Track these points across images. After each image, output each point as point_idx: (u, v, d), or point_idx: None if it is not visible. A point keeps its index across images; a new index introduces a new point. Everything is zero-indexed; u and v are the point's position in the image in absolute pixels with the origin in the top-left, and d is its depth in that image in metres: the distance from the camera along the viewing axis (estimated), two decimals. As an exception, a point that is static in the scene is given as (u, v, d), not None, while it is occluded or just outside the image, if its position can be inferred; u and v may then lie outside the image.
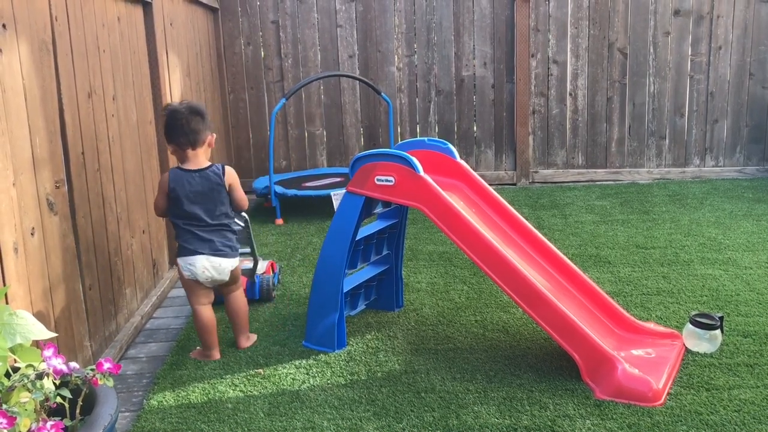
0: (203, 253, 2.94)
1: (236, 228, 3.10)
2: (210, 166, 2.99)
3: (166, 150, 3.96)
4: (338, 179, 5.73)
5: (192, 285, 3.00)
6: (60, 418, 1.66)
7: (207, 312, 3.03)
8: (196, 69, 5.07)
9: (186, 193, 2.93)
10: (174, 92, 4.34)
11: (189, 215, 2.94)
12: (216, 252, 2.96)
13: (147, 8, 3.81)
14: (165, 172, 3.08)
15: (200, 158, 2.99)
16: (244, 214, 3.23)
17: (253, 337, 3.22)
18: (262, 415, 2.58)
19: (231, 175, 3.03)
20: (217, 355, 3.06)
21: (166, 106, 3.10)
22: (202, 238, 2.95)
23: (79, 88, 2.84)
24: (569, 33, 6.19)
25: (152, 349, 3.23)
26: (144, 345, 3.27)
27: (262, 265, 3.75)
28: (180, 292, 3.93)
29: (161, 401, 2.70)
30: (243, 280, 3.32)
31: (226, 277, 3.03)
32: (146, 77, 3.81)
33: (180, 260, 2.98)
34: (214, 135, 3.07)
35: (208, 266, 2.96)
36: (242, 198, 3.09)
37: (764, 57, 6.17)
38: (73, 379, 1.71)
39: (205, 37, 5.49)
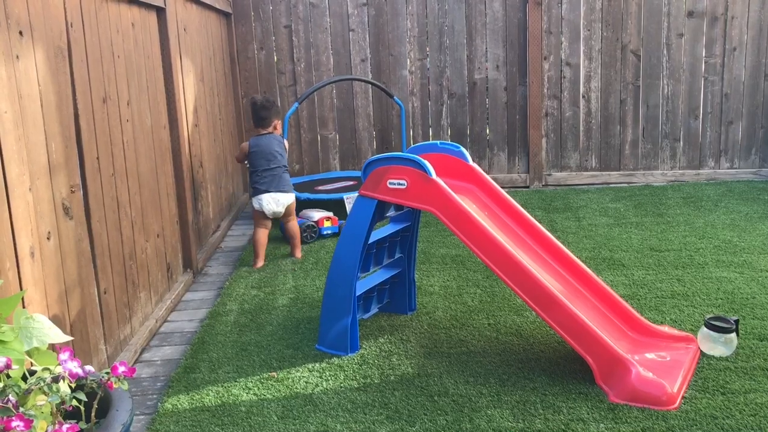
0: (269, 191, 4.31)
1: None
2: (273, 132, 4.46)
3: (180, 154, 4.01)
4: (351, 183, 5.73)
5: (258, 215, 4.39)
6: (76, 421, 1.67)
7: (262, 233, 4.38)
8: (209, 73, 5.10)
9: (260, 149, 4.34)
10: (188, 97, 4.37)
11: (261, 164, 4.30)
12: (278, 189, 4.32)
13: (161, 14, 3.84)
14: (244, 141, 4.80)
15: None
16: None
17: (300, 254, 4.46)
18: (276, 418, 2.59)
19: (286, 142, 4.50)
20: (259, 263, 4.35)
21: (252, 97, 4.63)
22: (269, 181, 4.31)
23: (94, 93, 2.86)
24: (582, 35, 6.18)
25: (167, 352, 3.25)
26: (158, 348, 3.30)
27: (316, 215, 4.86)
28: (193, 295, 3.96)
29: (175, 404, 2.71)
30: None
31: (283, 209, 4.34)
32: (160, 82, 3.84)
33: (253, 198, 4.39)
34: (280, 121, 4.52)
35: (271, 200, 4.31)
36: None
37: (779, 58, 6.13)
38: (88, 382, 1.73)
39: (218, 42, 5.52)
